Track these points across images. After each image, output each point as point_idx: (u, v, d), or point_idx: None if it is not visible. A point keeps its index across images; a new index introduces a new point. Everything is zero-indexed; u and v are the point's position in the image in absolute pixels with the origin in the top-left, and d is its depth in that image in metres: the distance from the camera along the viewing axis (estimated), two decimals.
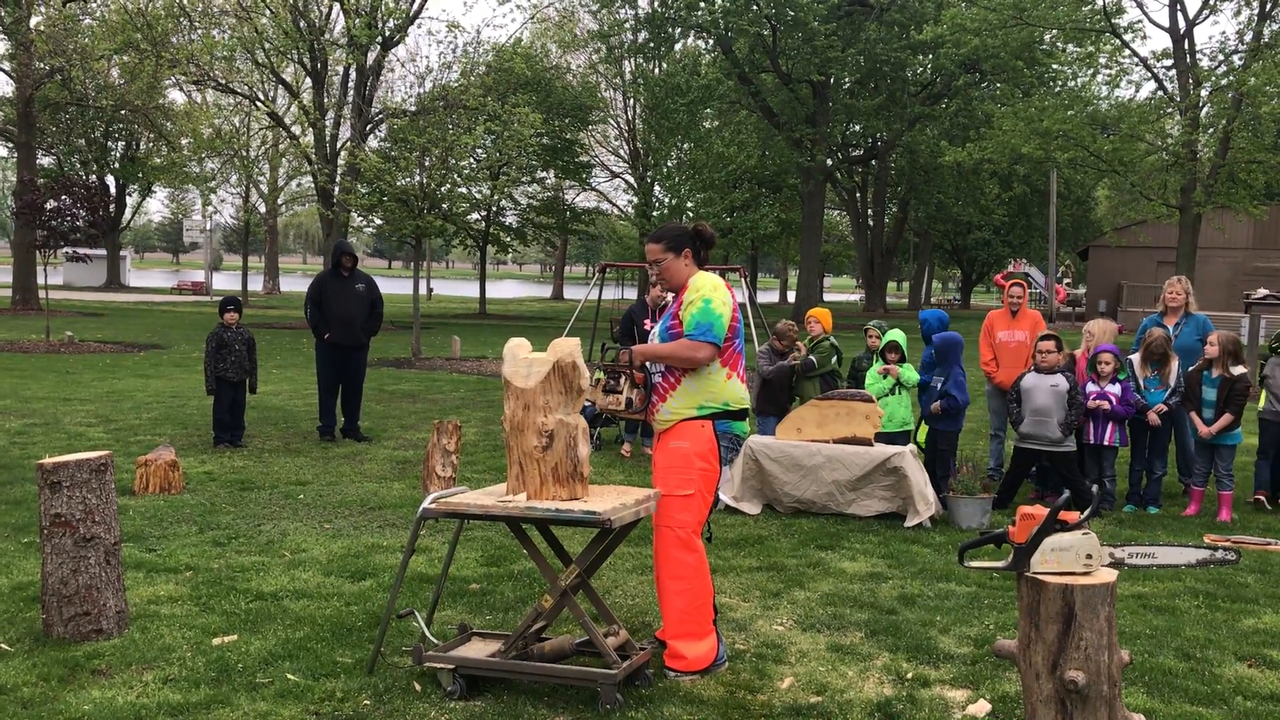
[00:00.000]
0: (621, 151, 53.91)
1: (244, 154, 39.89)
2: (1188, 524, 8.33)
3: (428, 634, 4.89)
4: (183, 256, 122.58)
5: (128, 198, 58.23)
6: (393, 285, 60.06)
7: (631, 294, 31.72)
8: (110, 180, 53.82)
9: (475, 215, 38.24)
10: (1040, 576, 3.78)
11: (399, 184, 21.56)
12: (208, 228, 54.30)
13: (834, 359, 10.16)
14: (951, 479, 8.39)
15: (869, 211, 50.58)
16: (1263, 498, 8.90)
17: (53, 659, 4.93)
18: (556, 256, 66.33)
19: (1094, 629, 3.72)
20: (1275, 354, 8.87)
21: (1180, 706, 4.55)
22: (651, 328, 10.86)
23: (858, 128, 43.27)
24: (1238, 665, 5.09)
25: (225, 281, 68.28)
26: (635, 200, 43.08)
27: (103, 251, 54.64)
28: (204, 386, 10.92)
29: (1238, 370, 8.53)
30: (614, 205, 53.13)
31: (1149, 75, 30.50)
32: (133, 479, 8.61)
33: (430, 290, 60.61)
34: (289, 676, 4.76)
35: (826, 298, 50.03)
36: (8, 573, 6.26)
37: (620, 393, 4.79)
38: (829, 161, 37.96)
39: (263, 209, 50.67)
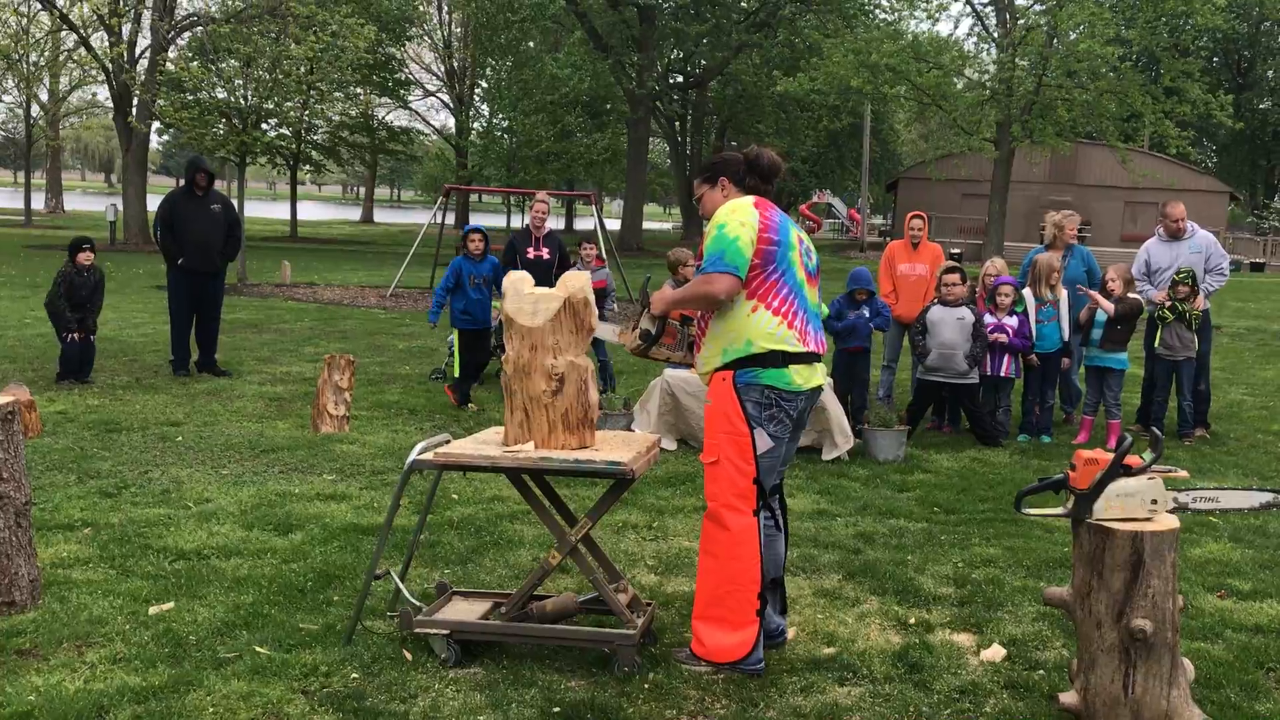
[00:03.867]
0: (435, 68, 52.19)
1: (24, 60, 36.42)
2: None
3: (408, 596, 4.45)
4: None
5: None
6: None
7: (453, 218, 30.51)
8: None
9: (285, 131, 36.25)
10: (1106, 523, 3.68)
11: (220, 96, 20.05)
12: None
13: None
14: (867, 411, 8.38)
15: (688, 140, 50.61)
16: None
17: None
18: (365, 178, 63.88)
19: (1161, 576, 3.65)
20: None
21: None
22: (534, 255, 10.42)
23: (679, 54, 43.02)
24: (1210, 597, 5.20)
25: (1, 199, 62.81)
26: (452, 120, 41.81)
27: None
28: (53, 333, 9.90)
29: (1132, 295, 8.85)
30: (429, 124, 51.51)
31: (968, 10, 31.45)
32: None
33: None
34: (257, 649, 4.24)
35: (644, 226, 49.97)
36: None
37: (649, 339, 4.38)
38: (655, 88, 37.59)
39: (43, 121, 46.57)
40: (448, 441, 4.40)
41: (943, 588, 5.24)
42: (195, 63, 20.67)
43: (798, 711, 3.92)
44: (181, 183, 10.67)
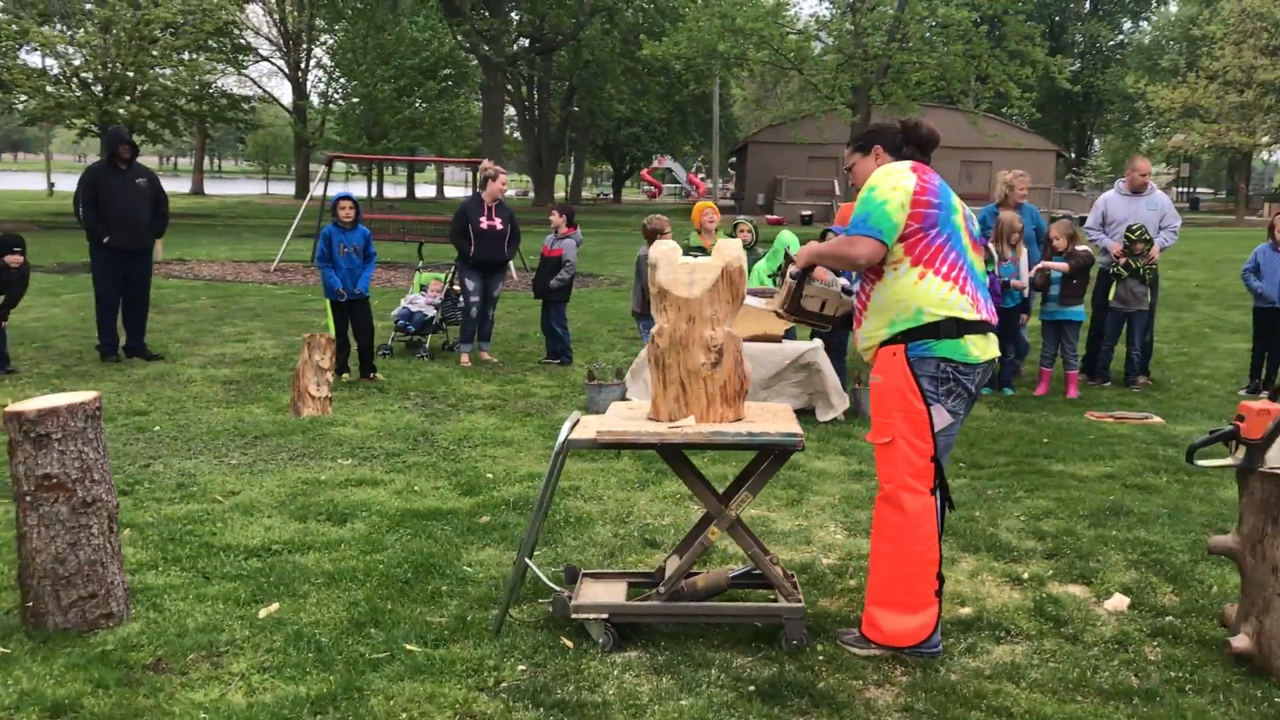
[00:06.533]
0: (263, 31, 50.06)
1: None
2: (1045, 402, 8.90)
3: (549, 583, 4.28)
4: None
5: None
6: (10, 180, 52.38)
7: (285, 188, 29.26)
8: None
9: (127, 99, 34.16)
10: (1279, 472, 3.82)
11: (76, 63, 18.74)
12: None
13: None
14: (858, 371, 8.50)
15: (535, 107, 50.15)
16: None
17: (82, 657, 3.87)
18: (195, 148, 60.88)
19: None
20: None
21: None
22: (487, 225, 10.13)
23: (529, 19, 42.45)
24: None
25: None
26: (288, 87, 40.20)
27: None
28: None
29: (1081, 249, 9.26)
30: (264, 90, 49.48)
31: None
32: None
33: (51, 186, 54.50)
34: (407, 648, 4.01)
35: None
36: None
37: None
38: (509, 52, 36.98)
39: None
40: (577, 422, 4.24)
41: (1025, 541, 5.37)
42: (45, 26, 19.22)
43: (978, 673, 3.95)
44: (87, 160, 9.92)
